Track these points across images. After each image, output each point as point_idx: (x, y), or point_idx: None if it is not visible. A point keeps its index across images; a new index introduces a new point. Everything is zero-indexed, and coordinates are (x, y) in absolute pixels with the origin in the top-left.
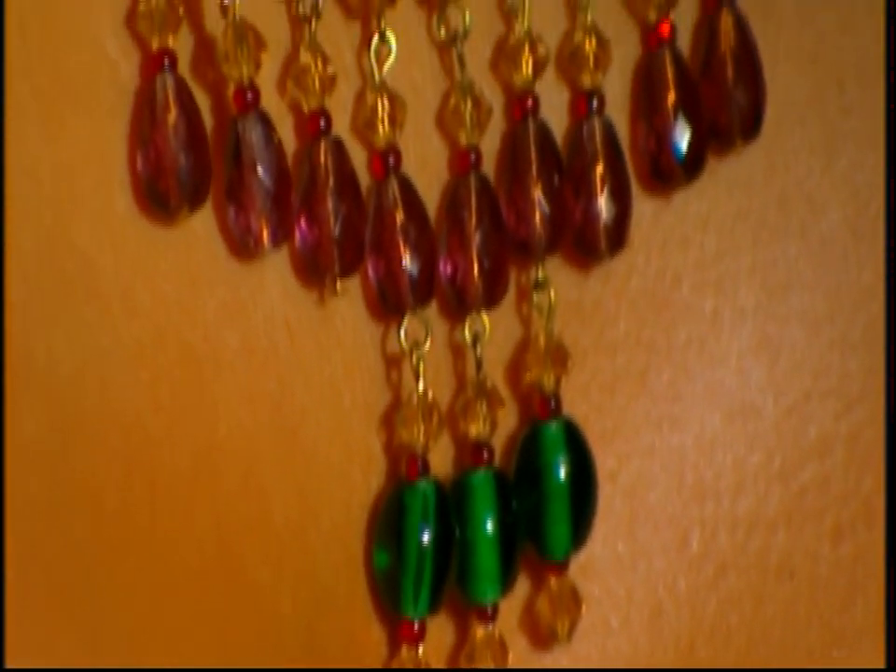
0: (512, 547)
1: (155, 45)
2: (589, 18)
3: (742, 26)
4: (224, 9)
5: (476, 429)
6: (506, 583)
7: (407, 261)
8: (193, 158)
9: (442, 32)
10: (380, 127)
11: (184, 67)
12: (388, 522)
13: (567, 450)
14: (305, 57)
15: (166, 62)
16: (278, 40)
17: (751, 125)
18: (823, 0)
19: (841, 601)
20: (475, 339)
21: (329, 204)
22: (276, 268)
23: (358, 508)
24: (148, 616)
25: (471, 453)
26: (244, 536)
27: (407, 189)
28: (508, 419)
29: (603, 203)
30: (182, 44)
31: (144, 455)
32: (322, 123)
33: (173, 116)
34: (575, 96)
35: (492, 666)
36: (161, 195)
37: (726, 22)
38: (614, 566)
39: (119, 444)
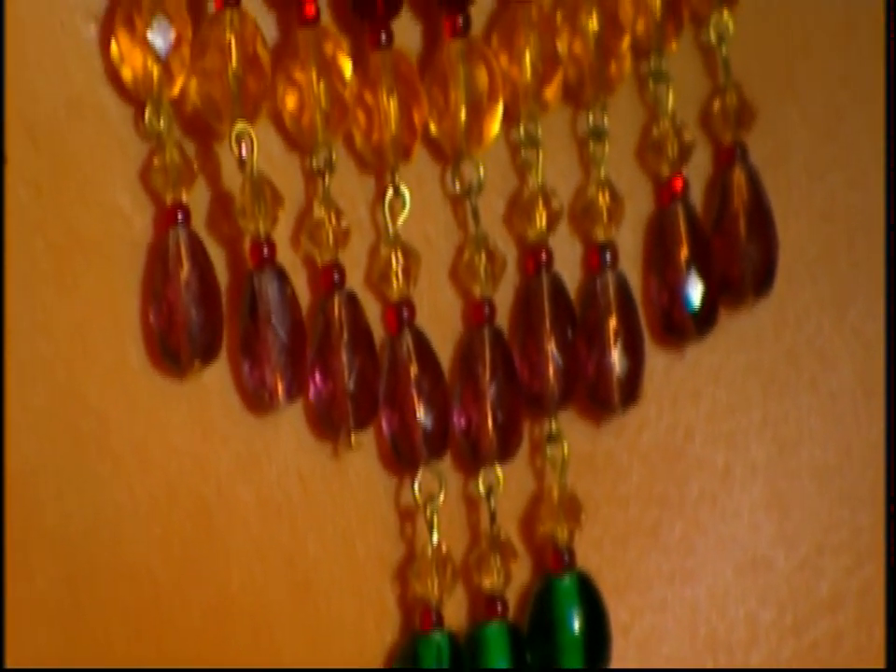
0: None
1: (169, 199)
2: (602, 172)
3: (755, 182)
4: (242, 164)
5: (490, 582)
6: None
7: (421, 415)
8: (205, 313)
9: (457, 186)
10: (394, 280)
11: (199, 220)
12: None
13: (581, 603)
14: (319, 211)
15: (180, 216)
16: (292, 194)
17: (764, 280)
18: (833, 158)
19: None
20: (489, 491)
21: (344, 358)
22: (290, 421)
23: (372, 661)
24: None
25: (485, 605)
26: None
27: (421, 342)
28: (521, 572)
29: (616, 357)
30: (197, 197)
31: (154, 611)
32: (336, 277)
33: (185, 271)
34: (588, 250)
35: None
36: (172, 350)
37: (739, 178)
38: None
39: (130, 599)
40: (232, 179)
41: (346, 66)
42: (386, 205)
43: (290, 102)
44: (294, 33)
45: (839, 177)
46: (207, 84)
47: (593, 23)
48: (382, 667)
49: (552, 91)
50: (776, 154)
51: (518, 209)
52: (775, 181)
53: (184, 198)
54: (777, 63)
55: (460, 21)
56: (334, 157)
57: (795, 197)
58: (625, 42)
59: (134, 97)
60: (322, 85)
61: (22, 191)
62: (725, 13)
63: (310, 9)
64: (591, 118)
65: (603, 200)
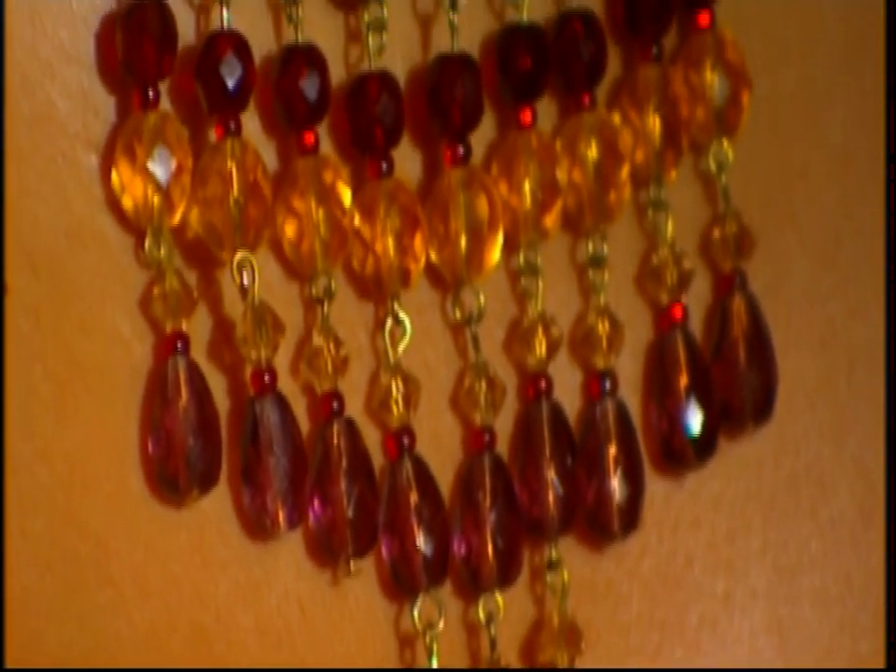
0: None
1: (168, 328)
2: (602, 300)
3: (754, 310)
4: (243, 292)
5: None
6: None
7: (421, 542)
8: (203, 441)
9: (457, 313)
10: (394, 408)
11: (200, 346)
12: None
13: None
14: (318, 339)
15: (179, 345)
16: (291, 320)
17: (763, 408)
18: (832, 286)
19: None
20: (489, 618)
21: (343, 486)
22: (289, 548)
23: None
24: None
25: None
26: None
27: (421, 469)
28: None
29: (616, 485)
30: (198, 323)
31: None
32: (335, 405)
33: (184, 399)
34: (588, 377)
35: None
36: (171, 478)
37: (738, 306)
38: None
39: None
40: (233, 306)
41: (346, 195)
42: (386, 333)
43: (290, 230)
44: (294, 161)
45: (839, 305)
46: (208, 212)
47: (592, 152)
48: (384, 668)
49: (551, 219)
50: (775, 281)
51: (518, 337)
52: (774, 308)
53: (183, 326)
54: (776, 190)
55: (460, 149)
56: (333, 284)
57: (795, 324)
58: (625, 171)
59: (135, 226)
60: (321, 213)
61: (22, 320)
62: (725, 142)
63: (309, 138)
64: (590, 245)
65: (602, 328)
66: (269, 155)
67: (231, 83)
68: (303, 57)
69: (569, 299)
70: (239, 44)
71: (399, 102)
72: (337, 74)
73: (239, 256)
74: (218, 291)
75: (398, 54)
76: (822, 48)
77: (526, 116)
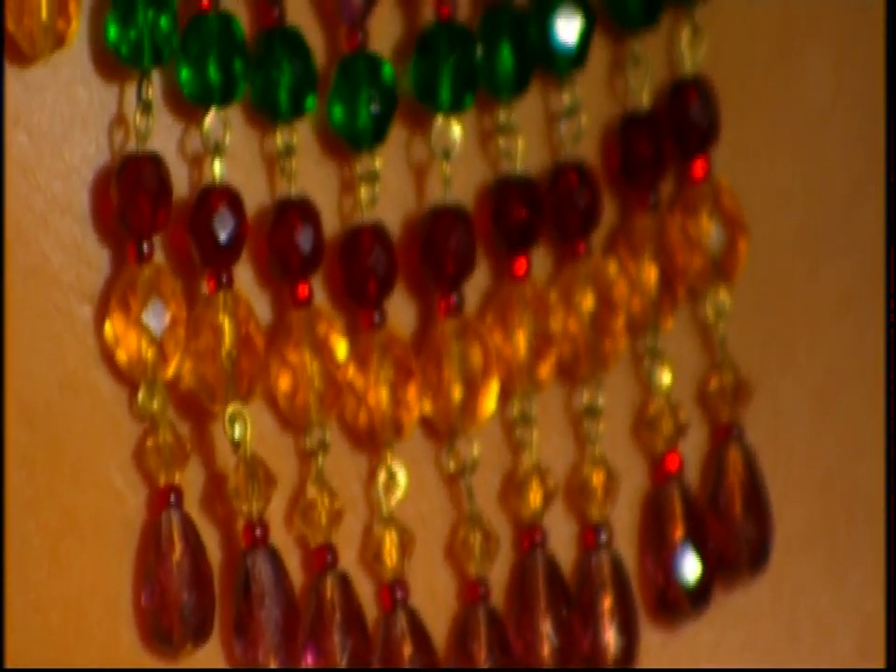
0: None
1: (162, 480)
2: (597, 450)
3: (750, 459)
4: (235, 446)
5: None
6: None
7: None
8: (197, 594)
9: (451, 464)
10: (387, 560)
11: (193, 498)
12: None
13: None
14: (312, 491)
15: (172, 497)
16: (285, 472)
17: (759, 558)
18: (832, 431)
19: None
20: None
21: (336, 639)
22: None
23: None
24: None
25: None
26: None
27: (415, 621)
28: None
29: (611, 636)
30: (191, 475)
31: None
32: (329, 558)
33: (177, 553)
34: (583, 528)
35: None
36: (165, 631)
37: (735, 457)
38: None
39: None
40: (226, 458)
41: (340, 347)
42: (380, 485)
43: (284, 383)
44: (287, 313)
45: (839, 451)
46: (201, 365)
47: (587, 302)
48: (384, 668)
49: (546, 369)
50: (775, 426)
51: (513, 488)
52: (774, 453)
53: (177, 479)
54: (776, 336)
55: (454, 299)
56: (328, 436)
57: (794, 469)
58: (620, 321)
59: (128, 378)
60: (315, 366)
61: (15, 474)
62: (722, 290)
63: (303, 291)
64: (585, 395)
65: (598, 479)
66: (262, 306)
67: (223, 237)
68: (297, 211)
69: (565, 448)
70: (232, 198)
71: (391, 254)
72: (331, 223)
73: (231, 409)
74: (212, 443)
75: (391, 204)
76: (824, 195)
77: (521, 266)
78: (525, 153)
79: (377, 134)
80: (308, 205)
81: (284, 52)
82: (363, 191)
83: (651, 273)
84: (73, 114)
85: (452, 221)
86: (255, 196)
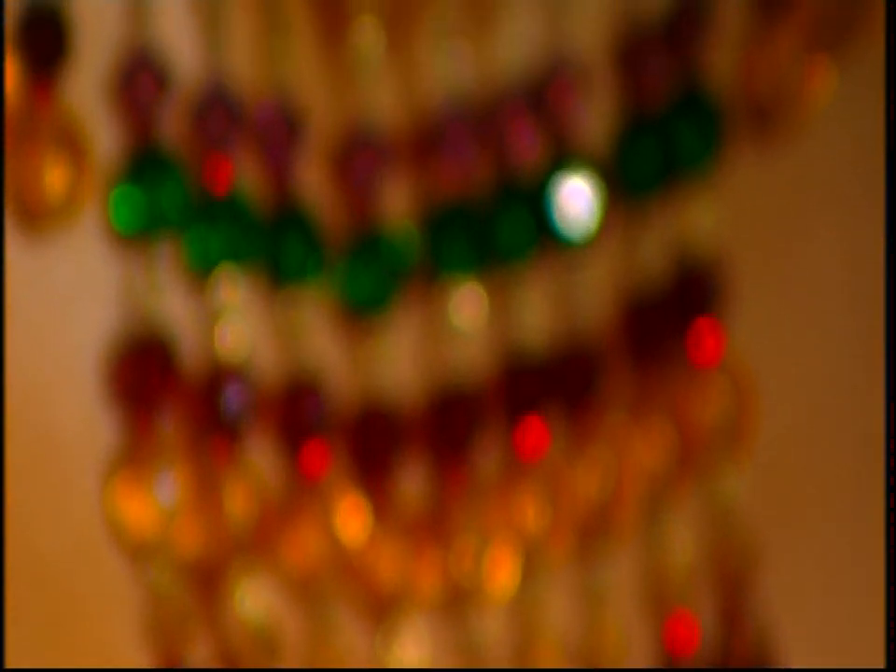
0: None
1: (169, 651)
2: (608, 617)
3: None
4: (241, 616)
5: None
6: None
7: None
8: None
9: (463, 639)
10: None
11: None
12: None
13: None
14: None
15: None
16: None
17: None
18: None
19: None
20: None
21: None
22: None
23: None
24: None
25: None
26: None
27: None
28: None
29: None
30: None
31: None
32: None
33: None
34: None
35: None
36: None
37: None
38: None
39: None
40: (234, 620)
41: (352, 521)
42: (388, 657)
43: (293, 556)
44: (297, 483)
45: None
46: (210, 537)
47: (602, 474)
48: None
49: (561, 546)
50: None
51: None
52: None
53: (186, 649)
54: (785, 512)
55: (465, 470)
56: (336, 612)
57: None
58: (636, 490)
59: (136, 549)
60: (326, 542)
61: (23, 641)
62: (734, 470)
63: (311, 467)
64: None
65: (606, 648)
66: (274, 461)
67: (232, 415)
68: (303, 388)
69: (573, 610)
70: (240, 377)
71: (401, 431)
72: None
73: (239, 581)
74: (220, 607)
75: (401, 366)
76: (825, 382)
77: (531, 440)
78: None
79: (383, 307)
80: (314, 383)
81: (294, 235)
82: (371, 357)
83: (662, 444)
84: (82, 282)
85: (462, 405)
86: (264, 354)
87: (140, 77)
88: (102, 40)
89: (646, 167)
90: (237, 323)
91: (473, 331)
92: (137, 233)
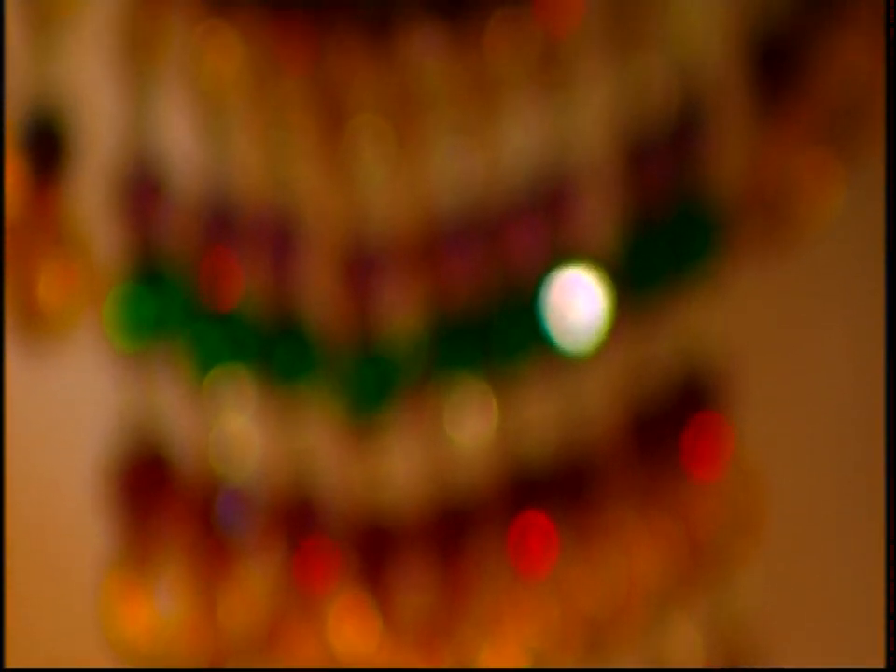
0: None
1: None
2: None
3: None
4: None
5: None
6: None
7: None
8: None
9: None
10: None
11: None
12: None
13: None
14: None
15: None
16: None
17: None
18: None
19: None
20: None
21: None
22: None
23: None
24: None
25: None
26: None
27: None
28: None
29: None
30: None
31: None
32: None
33: None
34: None
35: None
36: None
37: None
38: None
39: None
40: None
41: (349, 630)
42: None
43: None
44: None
45: None
46: (207, 646)
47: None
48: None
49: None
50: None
51: None
52: None
53: None
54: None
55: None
56: None
57: None
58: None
59: (135, 658)
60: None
61: None
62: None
63: (313, 583)
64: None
65: None
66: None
67: (230, 536)
68: (304, 512)
69: None
70: (240, 497)
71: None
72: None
73: None
74: None
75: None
76: (832, 478)
77: (535, 560)
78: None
79: (386, 411)
80: (314, 491)
81: (293, 340)
82: (372, 463)
83: (669, 547)
84: (81, 388)
85: (465, 513)
86: (263, 460)
87: (140, 184)
88: (103, 146)
89: (651, 269)
90: (235, 429)
91: (476, 437)
92: (136, 339)
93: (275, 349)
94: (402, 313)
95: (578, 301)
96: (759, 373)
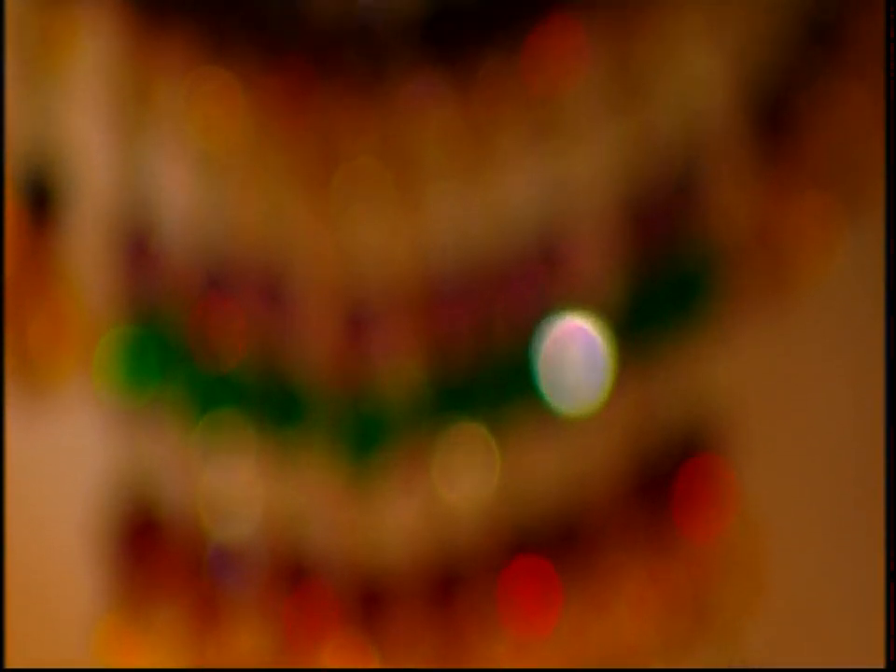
0: None
1: None
2: None
3: None
4: None
5: None
6: None
7: None
8: None
9: None
10: None
11: None
12: None
13: None
14: None
15: None
16: None
17: None
18: None
19: None
20: None
21: None
22: None
23: None
24: None
25: None
26: None
27: None
28: None
29: None
30: None
31: None
32: None
33: None
34: None
35: None
36: None
37: None
38: None
39: None
40: None
41: None
42: None
43: None
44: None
45: None
46: None
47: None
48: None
49: None
50: None
51: None
52: None
53: None
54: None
55: None
56: None
57: None
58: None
59: None
60: None
61: None
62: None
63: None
64: None
65: None
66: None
67: (223, 600)
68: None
69: None
70: (235, 559)
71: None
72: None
73: None
74: None
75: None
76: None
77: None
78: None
79: (383, 462)
80: (308, 550)
81: (286, 404)
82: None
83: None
84: (75, 440)
85: (465, 577)
86: (255, 492)
87: (133, 235)
88: (98, 196)
89: (652, 319)
90: (227, 480)
91: (474, 489)
92: (131, 387)
93: (268, 398)
94: (397, 362)
95: (578, 359)
96: (760, 422)
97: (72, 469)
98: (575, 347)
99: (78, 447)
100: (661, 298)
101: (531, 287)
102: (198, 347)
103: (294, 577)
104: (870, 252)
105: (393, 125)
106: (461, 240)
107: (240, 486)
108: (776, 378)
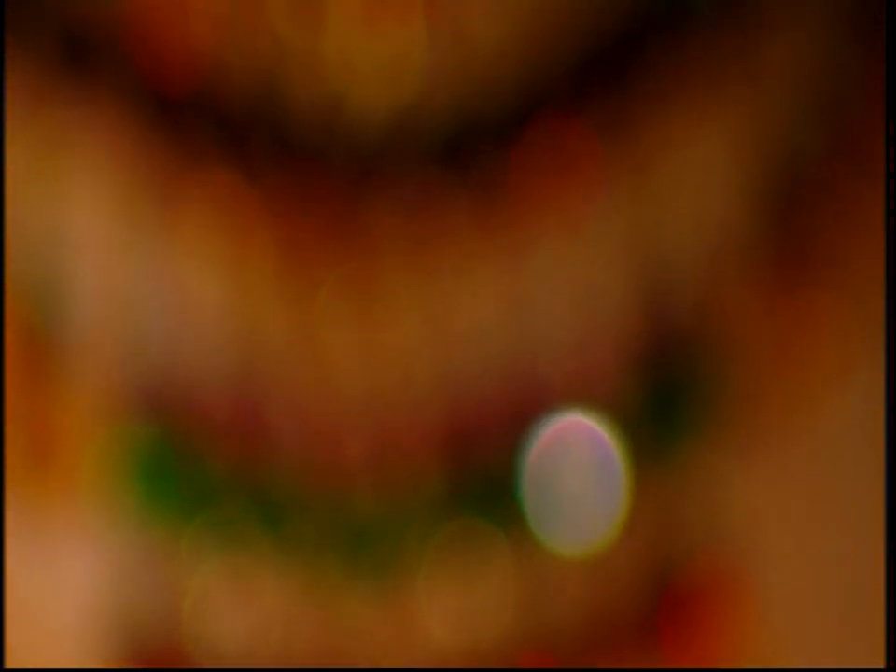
0: None
1: None
2: None
3: None
4: None
5: None
6: None
7: None
8: None
9: None
10: None
11: None
12: None
13: None
14: None
15: None
16: None
17: None
18: None
19: None
20: None
21: None
22: None
23: None
24: None
25: None
26: None
27: None
28: None
29: None
30: None
31: None
32: None
33: None
34: None
35: None
36: None
37: None
38: None
39: None
40: None
41: None
42: None
43: None
44: None
45: None
46: None
47: None
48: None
49: None
50: None
51: None
52: None
53: None
54: None
55: None
56: None
57: None
58: None
59: None
60: None
61: None
62: None
63: None
64: None
65: None
66: None
67: None
68: None
69: None
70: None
71: None
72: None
73: None
74: None
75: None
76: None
77: None
78: None
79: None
80: None
81: (262, 518)
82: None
83: None
84: (69, 555)
85: None
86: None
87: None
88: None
89: (671, 429)
90: (206, 595)
91: (497, 600)
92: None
93: (245, 513)
94: (371, 477)
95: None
96: (776, 543)
97: (66, 596)
98: (584, 470)
99: (71, 574)
100: (670, 408)
101: (501, 412)
102: (186, 458)
103: None
104: (874, 358)
105: (368, 243)
106: (441, 354)
107: (218, 600)
108: (789, 498)
